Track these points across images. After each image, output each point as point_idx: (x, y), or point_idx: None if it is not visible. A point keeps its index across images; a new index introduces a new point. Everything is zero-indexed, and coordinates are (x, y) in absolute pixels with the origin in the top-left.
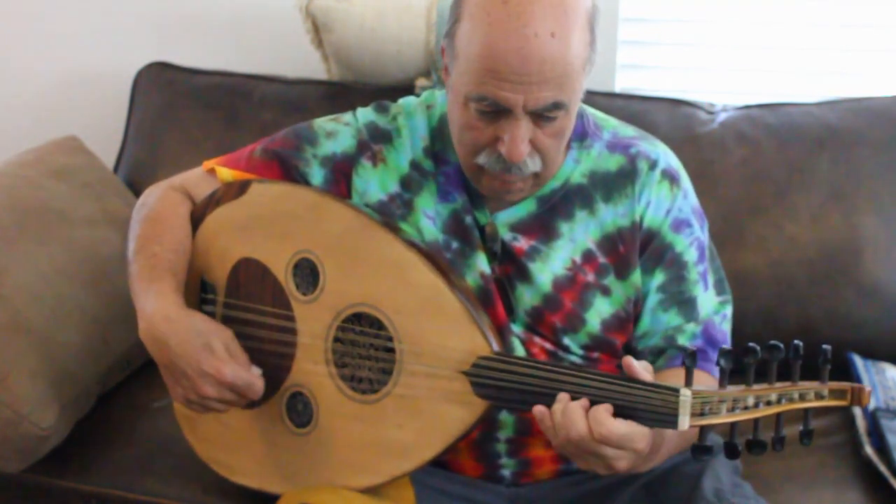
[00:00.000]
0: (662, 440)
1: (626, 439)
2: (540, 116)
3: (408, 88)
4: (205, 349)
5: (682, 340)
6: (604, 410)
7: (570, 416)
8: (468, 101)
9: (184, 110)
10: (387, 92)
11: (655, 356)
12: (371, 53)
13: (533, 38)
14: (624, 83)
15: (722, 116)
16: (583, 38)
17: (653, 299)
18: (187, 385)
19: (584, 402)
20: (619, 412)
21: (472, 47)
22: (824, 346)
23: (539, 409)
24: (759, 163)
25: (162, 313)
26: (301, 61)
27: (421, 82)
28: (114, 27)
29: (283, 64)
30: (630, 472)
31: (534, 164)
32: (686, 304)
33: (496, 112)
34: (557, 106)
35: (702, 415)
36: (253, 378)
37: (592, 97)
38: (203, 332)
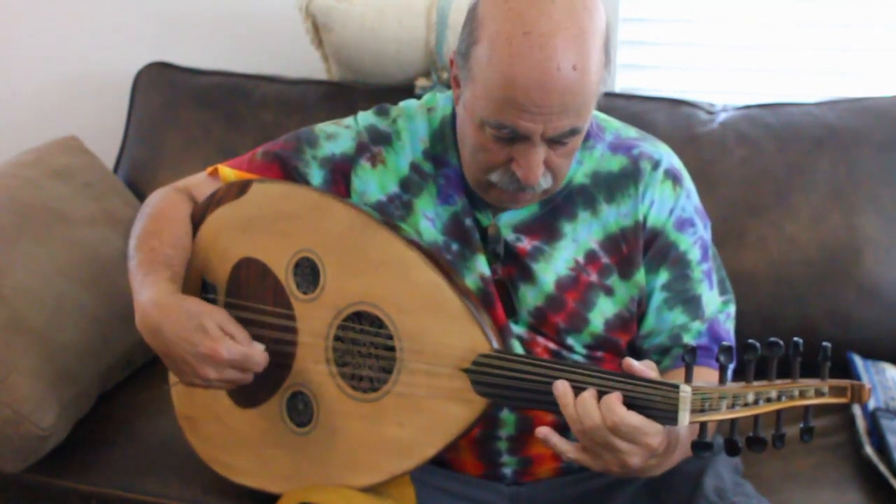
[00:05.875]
0: (677, 443)
1: (639, 431)
2: (556, 141)
3: (408, 88)
4: (198, 331)
5: (688, 339)
6: (615, 399)
7: (583, 405)
8: (484, 125)
9: (184, 110)
10: (387, 92)
11: (661, 355)
12: (371, 53)
13: (555, 72)
14: (624, 83)
15: (722, 116)
16: (599, 64)
17: (657, 298)
18: (188, 370)
19: (592, 391)
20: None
21: (491, 75)
22: (824, 343)
23: (542, 431)
24: (759, 163)
25: (153, 302)
26: (301, 61)
27: (421, 82)
28: (114, 27)
29: (283, 64)
30: (643, 474)
31: (546, 182)
32: (691, 303)
33: (512, 137)
34: (574, 132)
35: (702, 411)
36: (251, 350)
37: None
38: (194, 314)
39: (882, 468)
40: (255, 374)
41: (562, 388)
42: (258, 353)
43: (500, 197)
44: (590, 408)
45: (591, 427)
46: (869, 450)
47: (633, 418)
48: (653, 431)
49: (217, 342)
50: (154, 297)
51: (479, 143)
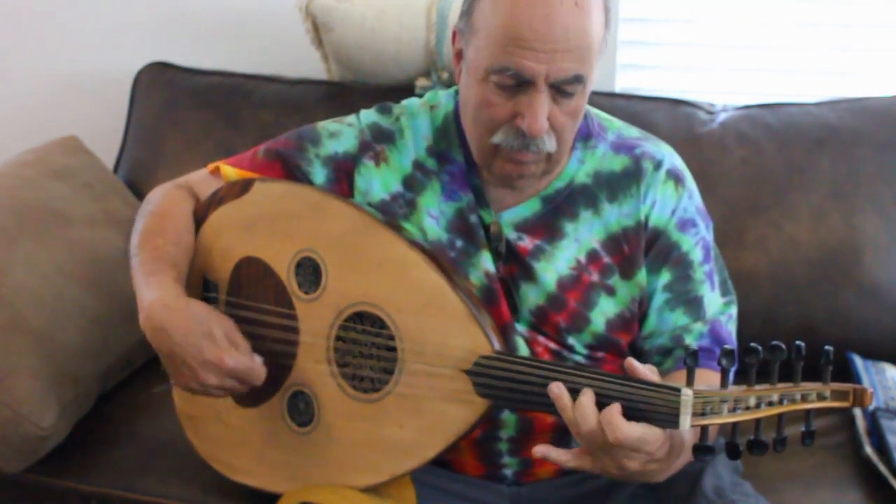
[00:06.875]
0: (681, 448)
1: (640, 441)
2: (559, 91)
3: (408, 88)
4: (206, 337)
5: (690, 340)
6: (615, 412)
7: (581, 410)
8: (488, 75)
9: (184, 110)
10: (387, 92)
11: (663, 356)
12: (371, 53)
13: (558, 6)
14: (624, 83)
15: (722, 116)
16: (600, 17)
17: (659, 299)
18: (188, 373)
19: (590, 394)
20: (623, 412)
21: (495, 18)
22: (826, 347)
23: (541, 449)
24: (759, 163)
25: (161, 302)
26: (301, 61)
27: (421, 82)
28: (114, 27)
29: (283, 64)
30: (643, 478)
31: (550, 143)
32: (692, 304)
33: (517, 86)
34: (578, 79)
35: (703, 414)
36: (254, 365)
37: (593, 97)
38: (203, 320)
39: (882, 468)
40: None
41: (556, 390)
42: (260, 368)
43: (504, 167)
44: (588, 413)
45: (587, 431)
46: (869, 450)
47: (635, 430)
48: (653, 439)
49: (224, 351)
50: (162, 297)
51: (482, 99)
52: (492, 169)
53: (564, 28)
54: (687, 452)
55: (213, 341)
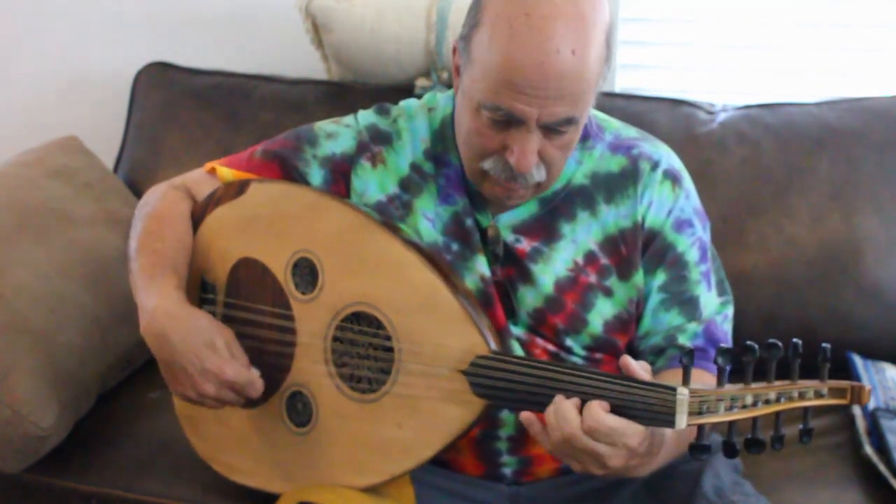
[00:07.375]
0: (662, 442)
1: (616, 433)
2: (551, 130)
3: (407, 88)
4: (207, 347)
5: (683, 340)
6: (596, 405)
7: (563, 413)
8: (480, 108)
9: (184, 110)
10: (386, 92)
11: (656, 356)
12: (371, 53)
13: (554, 55)
14: (624, 83)
15: (722, 116)
16: (600, 56)
17: (654, 299)
18: (187, 382)
19: (575, 400)
20: (617, 411)
21: (490, 56)
22: (824, 345)
23: (526, 416)
24: (759, 163)
25: (163, 309)
26: (301, 61)
27: (421, 82)
28: (114, 27)
29: (283, 64)
30: (627, 474)
31: (539, 175)
32: (688, 304)
33: (508, 122)
34: (570, 121)
35: (699, 413)
36: (254, 377)
37: None
38: (205, 329)
39: (882, 468)
40: None
41: (525, 419)
42: (258, 381)
43: (493, 190)
44: (568, 415)
45: (569, 433)
46: (869, 450)
47: (611, 421)
48: (631, 432)
49: (225, 362)
50: (164, 305)
51: (474, 128)
52: (481, 188)
53: (559, 77)
54: (669, 447)
55: (214, 351)
